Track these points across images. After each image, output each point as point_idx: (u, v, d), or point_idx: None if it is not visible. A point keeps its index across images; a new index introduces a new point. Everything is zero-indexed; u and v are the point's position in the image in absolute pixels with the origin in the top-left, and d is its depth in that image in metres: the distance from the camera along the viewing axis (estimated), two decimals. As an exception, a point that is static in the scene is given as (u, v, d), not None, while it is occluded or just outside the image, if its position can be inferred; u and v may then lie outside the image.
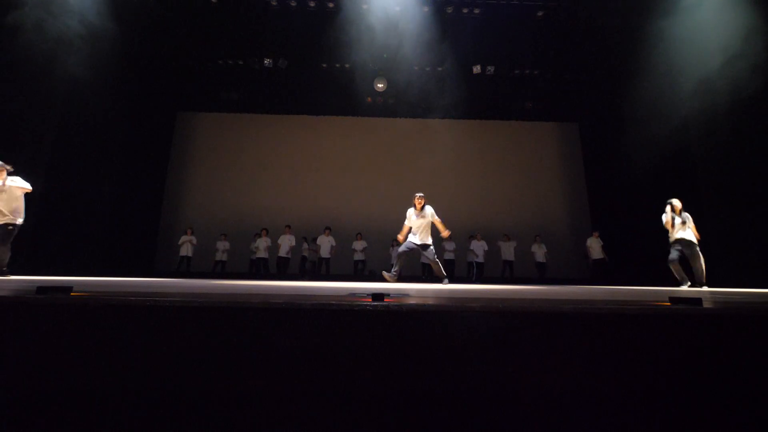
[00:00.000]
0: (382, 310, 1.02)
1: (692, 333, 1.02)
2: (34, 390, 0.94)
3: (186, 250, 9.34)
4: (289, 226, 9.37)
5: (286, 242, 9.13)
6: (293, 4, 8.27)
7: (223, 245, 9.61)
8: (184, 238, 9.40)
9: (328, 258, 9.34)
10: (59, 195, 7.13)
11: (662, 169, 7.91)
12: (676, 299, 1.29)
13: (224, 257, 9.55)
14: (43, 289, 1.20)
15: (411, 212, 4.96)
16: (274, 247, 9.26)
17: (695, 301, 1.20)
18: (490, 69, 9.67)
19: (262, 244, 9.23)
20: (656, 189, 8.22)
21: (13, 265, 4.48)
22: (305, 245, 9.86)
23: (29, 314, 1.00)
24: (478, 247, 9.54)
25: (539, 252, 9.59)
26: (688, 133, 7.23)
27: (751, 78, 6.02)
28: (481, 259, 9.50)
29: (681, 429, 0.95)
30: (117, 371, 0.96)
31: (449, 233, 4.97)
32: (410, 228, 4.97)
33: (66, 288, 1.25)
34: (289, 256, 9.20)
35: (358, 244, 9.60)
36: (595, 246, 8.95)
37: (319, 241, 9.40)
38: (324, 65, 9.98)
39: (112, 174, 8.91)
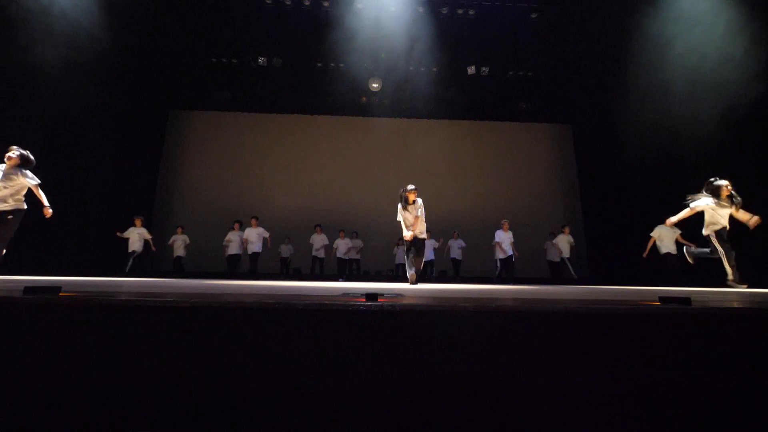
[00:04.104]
0: (376, 310, 1.02)
1: (682, 332, 1.03)
2: (21, 393, 0.93)
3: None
4: (255, 218, 8.42)
5: (254, 235, 8.16)
6: (288, 2, 8.23)
7: (181, 239, 9.02)
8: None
9: (322, 258, 9.30)
10: (48, 193, 7.01)
11: (654, 171, 8.02)
12: (666, 299, 1.30)
13: (182, 252, 8.95)
14: (30, 289, 1.17)
15: (401, 207, 4.83)
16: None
17: (684, 300, 1.22)
18: (485, 70, 9.72)
19: (235, 238, 8.24)
20: (648, 190, 8.33)
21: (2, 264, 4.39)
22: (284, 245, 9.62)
23: (16, 315, 0.98)
24: (506, 239, 7.81)
25: (566, 248, 8.32)
26: (680, 134, 7.33)
27: (741, 80, 6.10)
28: (509, 253, 7.80)
29: (671, 428, 0.96)
30: (107, 373, 0.95)
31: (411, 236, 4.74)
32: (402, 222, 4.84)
33: (54, 288, 1.23)
34: (260, 250, 8.21)
35: (354, 243, 9.59)
36: (563, 243, 8.19)
37: (311, 239, 9.34)
38: (319, 64, 9.96)
39: (103, 172, 8.79)
